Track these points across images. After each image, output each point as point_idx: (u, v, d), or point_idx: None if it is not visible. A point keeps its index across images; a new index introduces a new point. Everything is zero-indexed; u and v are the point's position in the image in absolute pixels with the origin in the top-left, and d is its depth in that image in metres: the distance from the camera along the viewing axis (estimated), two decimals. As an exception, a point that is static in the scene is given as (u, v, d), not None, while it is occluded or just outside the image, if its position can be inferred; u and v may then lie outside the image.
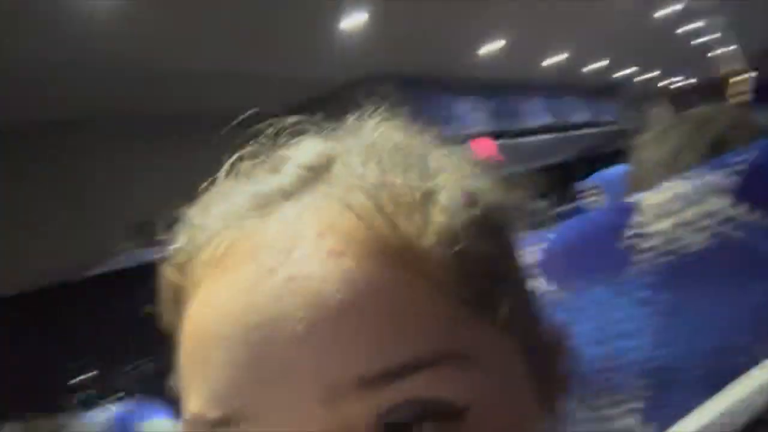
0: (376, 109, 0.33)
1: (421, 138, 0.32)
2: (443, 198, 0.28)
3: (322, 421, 0.25)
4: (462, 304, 0.27)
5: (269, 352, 0.25)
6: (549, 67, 6.45)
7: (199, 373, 0.27)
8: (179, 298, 0.30)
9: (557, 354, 0.32)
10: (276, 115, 0.32)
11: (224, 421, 0.26)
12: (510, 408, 0.27)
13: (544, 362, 0.30)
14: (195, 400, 0.27)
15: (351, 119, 0.33)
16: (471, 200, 0.29)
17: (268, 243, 0.27)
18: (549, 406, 0.30)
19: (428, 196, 0.28)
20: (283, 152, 0.30)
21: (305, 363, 0.25)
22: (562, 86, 7.35)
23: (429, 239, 0.27)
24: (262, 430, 0.25)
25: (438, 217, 0.27)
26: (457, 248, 0.27)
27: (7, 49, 2.01)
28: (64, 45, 2.20)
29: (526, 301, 0.31)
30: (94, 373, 3.19)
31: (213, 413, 0.26)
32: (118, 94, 2.94)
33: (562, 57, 6.26)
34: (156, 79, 2.98)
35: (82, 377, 3.18)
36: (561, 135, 7.24)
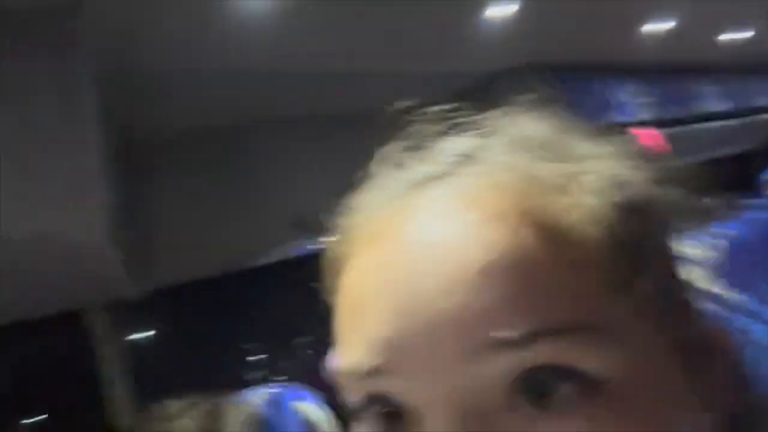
0: (521, 102, 0.34)
1: (568, 131, 0.33)
2: (588, 181, 0.29)
3: (459, 376, 0.26)
4: (602, 283, 0.27)
5: (415, 311, 0.27)
6: (727, 45, 5.80)
7: (356, 330, 0.30)
8: (338, 269, 0.32)
9: (716, 356, 0.31)
10: (426, 109, 0.34)
11: (376, 372, 0.28)
12: (654, 392, 0.27)
13: (700, 361, 0.30)
14: (351, 354, 0.29)
15: (495, 114, 0.34)
16: (617, 186, 0.29)
17: (414, 217, 0.29)
18: (706, 406, 0.29)
19: (573, 179, 0.29)
20: (431, 146, 0.33)
21: (447, 321, 0.26)
22: (744, 67, 6.57)
23: (572, 217, 0.28)
24: (407, 380, 0.27)
25: (582, 198, 0.28)
26: (599, 229, 0.28)
27: (178, 60, 2.21)
28: (229, 53, 2.38)
29: (675, 293, 0.31)
30: (264, 356, 3.47)
31: (366, 365, 0.28)
32: (281, 98, 3.13)
33: (743, 34, 5.60)
34: (314, 82, 3.12)
35: (252, 358, 3.47)
36: (743, 121, 6.49)
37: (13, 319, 2.03)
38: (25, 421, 3.21)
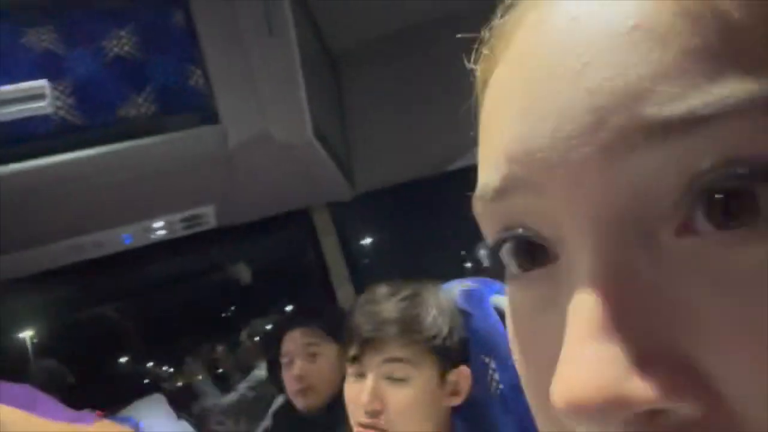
0: None
1: None
2: None
3: (606, 181, 0.19)
4: None
5: (545, 99, 0.21)
6: None
7: (485, 143, 0.25)
8: (484, 82, 0.27)
9: None
10: None
11: (502, 191, 0.23)
12: None
13: None
14: (481, 174, 0.24)
15: None
16: None
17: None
18: None
19: None
20: None
21: (580, 103, 0.19)
22: None
23: None
24: (540, 195, 0.21)
25: None
26: None
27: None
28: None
29: None
30: (463, 253, 3.59)
31: (491, 183, 0.23)
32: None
33: None
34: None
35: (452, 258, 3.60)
36: None
37: (246, 220, 2.29)
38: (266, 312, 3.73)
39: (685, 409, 0.19)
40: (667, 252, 0.19)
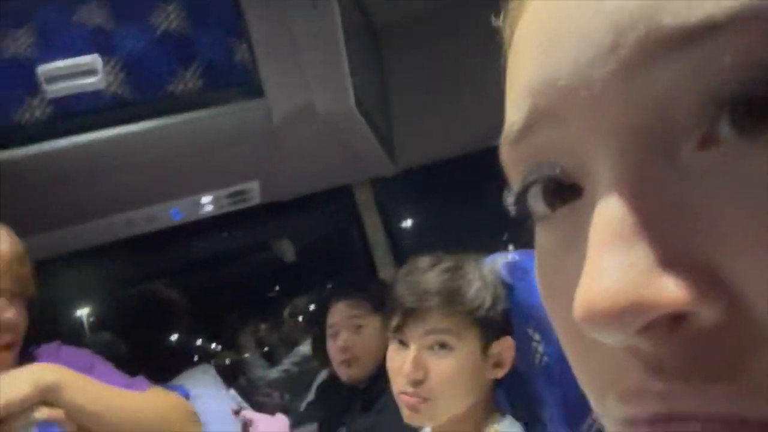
0: None
1: None
2: None
3: (623, 101, 0.19)
4: None
5: (562, 31, 0.20)
6: None
7: (509, 89, 0.24)
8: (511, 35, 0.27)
9: None
10: None
11: (526, 129, 0.22)
12: None
13: None
14: (507, 118, 0.24)
15: None
16: None
17: None
18: None
19: None
20: None
21: (601, 26, 0.19)
22: None
23: None
24: (562, 126, 0.21)
25: None
26: None
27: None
28: None
29: None
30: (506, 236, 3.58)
31: (514, 124, 0.23)
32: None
33: None
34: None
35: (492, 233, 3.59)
36: None
37: (290, 197, 2.32)
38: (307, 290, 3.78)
39: (707, 313, 0.18)
40: (690, 165, 0.19)
